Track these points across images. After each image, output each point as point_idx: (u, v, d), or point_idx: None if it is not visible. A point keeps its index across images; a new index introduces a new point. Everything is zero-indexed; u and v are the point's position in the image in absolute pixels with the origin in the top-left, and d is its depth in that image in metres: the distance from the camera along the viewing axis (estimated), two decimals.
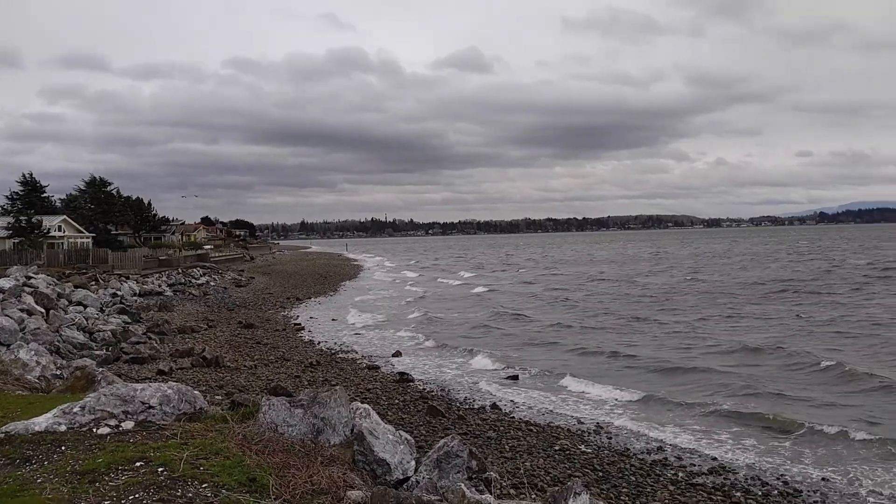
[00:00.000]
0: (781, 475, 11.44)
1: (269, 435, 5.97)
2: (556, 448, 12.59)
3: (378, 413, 12.56)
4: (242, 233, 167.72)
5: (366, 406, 6.93)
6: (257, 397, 11.60)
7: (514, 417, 15.06)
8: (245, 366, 19.77)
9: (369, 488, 5.22)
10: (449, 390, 17.68)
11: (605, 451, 12.56)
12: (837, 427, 13.60)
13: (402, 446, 6.07)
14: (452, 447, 5.88)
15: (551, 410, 15.76)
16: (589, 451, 12.55)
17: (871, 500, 10.38)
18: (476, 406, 16.01)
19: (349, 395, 14.84)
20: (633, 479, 10.96)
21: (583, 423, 14.66)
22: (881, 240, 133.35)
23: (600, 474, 11.12)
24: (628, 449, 12.81)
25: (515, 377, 19.27)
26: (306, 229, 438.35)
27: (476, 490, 5.41)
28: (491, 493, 5.69)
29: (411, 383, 18.26)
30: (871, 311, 30.89)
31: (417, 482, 5.67)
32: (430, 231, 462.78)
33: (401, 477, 5.86)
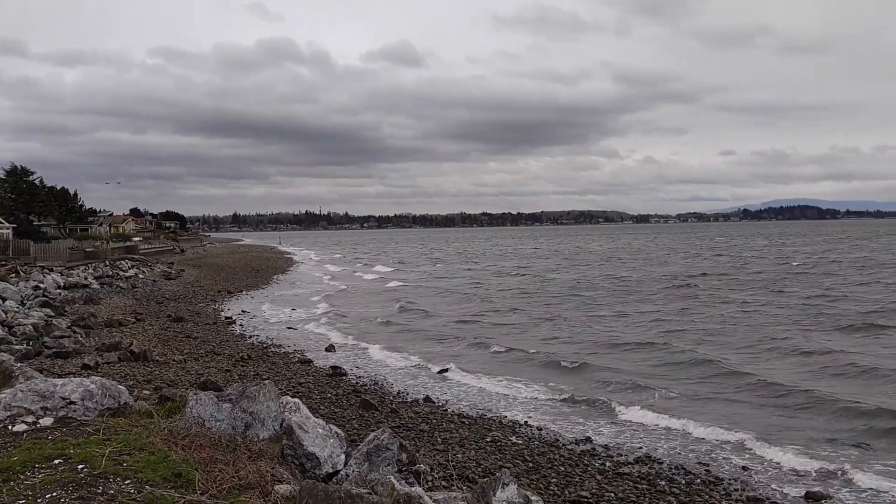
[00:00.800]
0: (704, 464, 11.80)
1: (196, 430, 5.88)
2: (488, 440, 12.71)
3: (310, 407, 12.48)
4: (173, 225, 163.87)
5: (296, 400, 6.89)
6: (186, 392, 11.38)
7: (447, 410, 15.14)
8: (174, 360, 19.36)
9: (298, 482, 5.18)
10: (382, 384, 17.67)
11: (536, 443, 12.74)
12: (754, 420, 14.10)
13: (332, 440, 6.05)
14: (382, 440, 5.89)
15: (481, 404, 15.91)
16: (520, 442, 12.71)
17: (790, 488, 10.78)
18: (409, 399, 16.04)
19: (281, 389, 14.72)
20: (563, 468, 11.14)
21: (513, 414, 14.86)
22: (795, 236, 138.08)
23: (530, 465, 11.28)
24: (558, 440, 13.03)
25: (446, 370, 19.38)
26: (239, 222, 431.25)
27: (406, 482, 5.43)
28: (421, 486, 5.72)
29: (344, 377, 18.17)
30: (758, 309, 32.00)
31: (347, 475, 5.66)
32: (365, 224, 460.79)
33: (330, 470, 5.85)
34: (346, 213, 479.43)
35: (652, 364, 19.94)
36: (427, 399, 16.06)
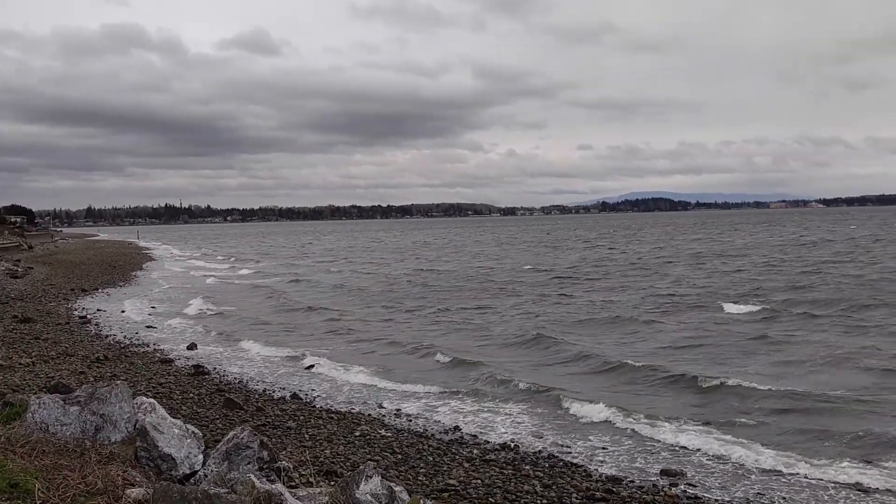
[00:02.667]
0: (566, 446, 12.23)
1: (39, 436, 5.51)
2: (357, 434, 12.65)
3: (170, 408, 12.02)
4: (19, 219, 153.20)
5: (151, 400, 6.59)
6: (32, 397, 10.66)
7: (315, 406, 14.95)
8: (21, 363, 18.08)
9: (152, 485, 4.95)
10: (247, 382, 17.22)
11: (405, 434, 12.80)
12: (615, 398, 14.77)
13: (189, 440, 5.83)
14: (242, 438, 5.73)
15: (351, 398, 15.84)
16: (389, 434, 12.73)
17: (647, 465, 11.32)
18: (276, 397, 15.72)
19: (139, 390, 14.08)
20: (431, 458, 11.24)
21: (383, 407, 14.87)
22: (640, 227, 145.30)
23: (399, 456, 11.31)
24: (427, 431, 13.15)
25: (313, 366, 19.14)
26: (93, 216, 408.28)
27: (267, 480, 5.31)
28: (282, 483, 5.60)
29: (207, 376, 17.58)
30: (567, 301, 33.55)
31: (205, 475, 5.47)
32: (228, 218, 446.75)
33: (188, 471, 5.63)
34: (209, 206, 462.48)
35: (520, 355, 20.41)
36: (295, 396, 15.79)
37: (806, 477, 10.53)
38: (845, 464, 10.87)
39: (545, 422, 13.74)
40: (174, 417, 6.75)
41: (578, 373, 17.79)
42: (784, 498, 9.79)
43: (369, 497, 4.85)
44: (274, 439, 11.97)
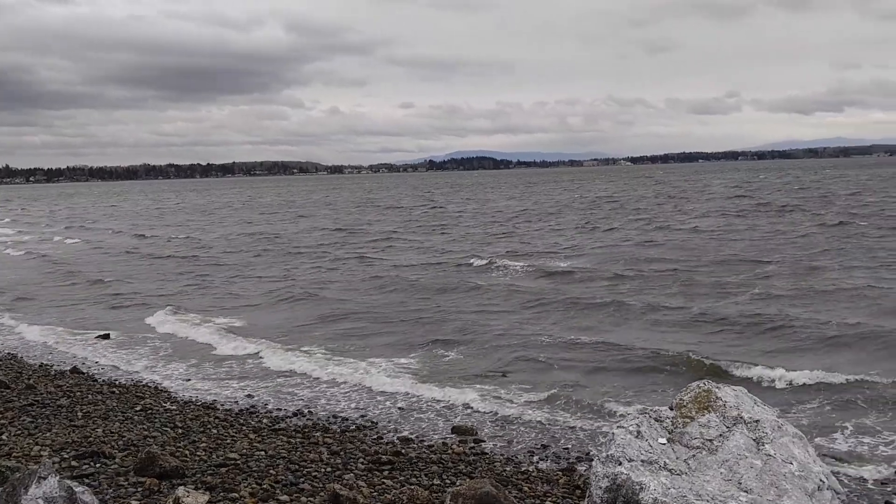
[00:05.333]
0: (362, 409, 12.04)
1: None
2: (138, 409, 11.76)
3: None
4: None
5: None
6: None
7: (96, 381, 13.84)
8: None
9: None
10: (21, 357, 15.69)
11: (192, 407, 12.08)
12: (409, 358, 14.77)
13: None
14: None
15: (139, 371, 14.88)
16: (174, 408, 11.94)
17: (439, 423, 11.33)
18: (53, 372, 14.40)
19: None
20: (216, 431, 10.62)
21: (171, 381, 14.03)
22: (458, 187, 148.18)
23: (180, 431, 10.59)
24: (216, 402, 12.50)
25: (107, 335, 17.80)
26: None
27: None
28: None
29: None
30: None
31: None
32: (31, 178, 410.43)
33: None
34: (7, 166, 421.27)
35: (313, 315, 19.69)
36: (75, 370, 14.53)
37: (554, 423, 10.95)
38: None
39: (345, 384, 13.46)
40: None
41: (361, 334, 17.41)
42: (574, 447, 10.10)
43: (41, 502, 4.26)
44: (40, 420, 10.91)
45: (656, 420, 5.12)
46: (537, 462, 9.59)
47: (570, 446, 10.22)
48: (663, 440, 4.99)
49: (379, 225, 51.07)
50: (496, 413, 11.68)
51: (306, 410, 12.00)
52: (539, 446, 10.25)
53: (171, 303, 22.01)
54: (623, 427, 5.09)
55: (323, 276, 27.09)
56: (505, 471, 9.13)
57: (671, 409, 5.26)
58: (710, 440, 4.93)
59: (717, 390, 5.28)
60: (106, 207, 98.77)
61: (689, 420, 5.09)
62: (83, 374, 14.38)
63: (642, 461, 4.79)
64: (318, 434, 10.60)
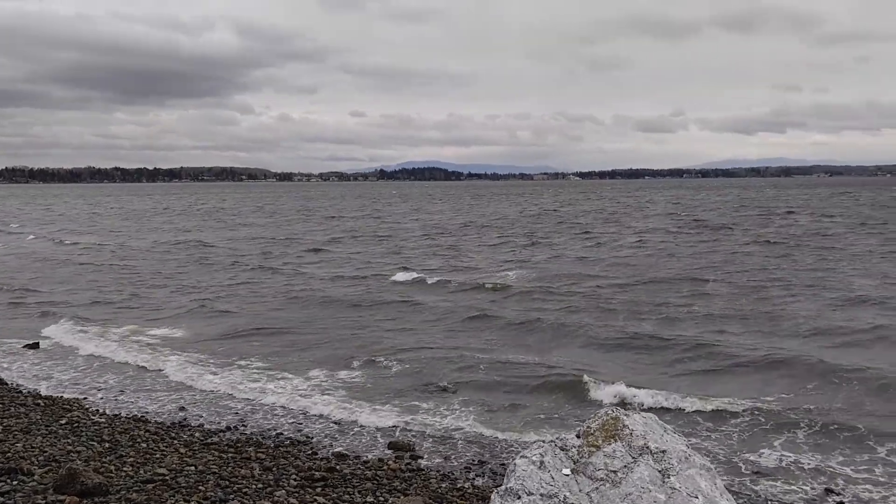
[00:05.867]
0: (298, 423, 11.84)
1: None
2: (64, 422, 11.36)
3: None
4: None
5: None
6: None
7: (20, 391, 13.34)
8: None
9: None
10: None
11: (122, 419, 11.72)
12: (345, 377, 14.61)
13: None
14: None
15: (74, 380, 14.41)
16: (103, 420, 11.58)
17: (375, 440, 11.19)
18: None
19: None
20: (145, 445, 10.31)
21: (101, 388, 13.61)
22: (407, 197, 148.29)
23: (108, 445, 10.25)
24: (147, 414, 12.16)
25: (36, 345, 17.20)
26: None
27: None
28: None
29: None
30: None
31: None
32: None
33: None
34: None
35: (244, 328, 19.10)
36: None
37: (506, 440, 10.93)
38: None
39: (279, 400, 13.20)
40: None
41: (297, 348, 16.97)
42: (501, 458, 10.07)
43: None
44: None
45: (562, 449, 4.93)
46: (473, 478, 9.53)
47: (506, 462, 10.18)
48: (567, 471, 4.79)
49: (317, 234, 50.42)
50: (434, 429, 11.59)
51: (240, 425, 11.76)
52: (476, 462, 10.20)
53: (80, 314, 21.04)
54: (526, 457, 4.90)
55: (253, 288, 26.11)
56: (440, 487, 9.05)
57: (578, 436, 5.06)
58: (615, 472, 4.73)
59: (625, 418, 5.07)
60: (40, 211, 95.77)
61: (594, 449, 4.89)
62: (7, 384, 13.86)
63: (542, 495, 4.61)
64: (250, 449, 10.37)
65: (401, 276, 27.49)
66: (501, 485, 4.87)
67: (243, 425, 11.71)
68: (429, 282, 26.18)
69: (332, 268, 31.71)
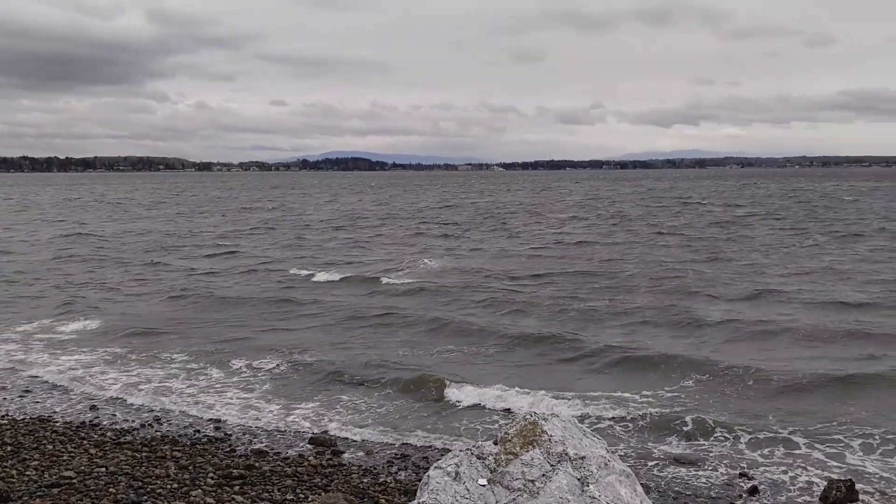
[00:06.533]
0: (216, 420, 11.53)
1: None
2: None
3: None
4: None
5: None
6: None
7: None
8: None
9: None
10: None
11: (26, 421, 11.17)
12: (266, 374, 14.31)
13: None
14: None
15: None
16: (4, 423, 11.01)
17: (294, 437, 10.99)
18: None
19: None
20: (50, 447, 9.84)
21: (5, 389, 12.95)
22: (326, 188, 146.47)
23: (10, 449, 9.74)
24: (55, 412, 11.64)
25: None
26: None
27: None
28: None
29: None
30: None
31: None
32: None
33: None
34: None
35: (135, 327, 17.95)
36: None
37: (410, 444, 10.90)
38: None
39: (196, 396, 12.83)
40: None
41: (217, 340, 16.63)
42: (423, 459, 10.02)
43: None
44: None
45: (478, 458, 4.70)
46: (396, 473, 9.44)
47: (428, 455, 10.13)
48: (483, 481, 4.58)
49: (226, 227, 48.44)
50: (356, 423, 11.44)
51: (155, 423, 11.36)
52: (399, 456, 10.11)
53: None
54: (440, 468, 4.66)
55: (149, 286, 24.61)
56: (362, 482, 8.94)
57: (496, 443, 4.82)
58: (532, 481, 4.52)
59: (543, 423, 4.85)
60: None
61: (512, 457, 4.66)
62: None
63: None
64: (166, 447, 10.04)
65: (305, 272, 26.14)
66: (415, 499, 4.68)
67: (159, 423, 11.33)
68: (336, 278, 25.00)
69: (235, 262, 30.11)
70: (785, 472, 9.46)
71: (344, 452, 10.20)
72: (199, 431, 10.97)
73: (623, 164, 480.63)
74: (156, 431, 10.89)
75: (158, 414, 11.81)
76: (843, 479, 8.67)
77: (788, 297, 20.31)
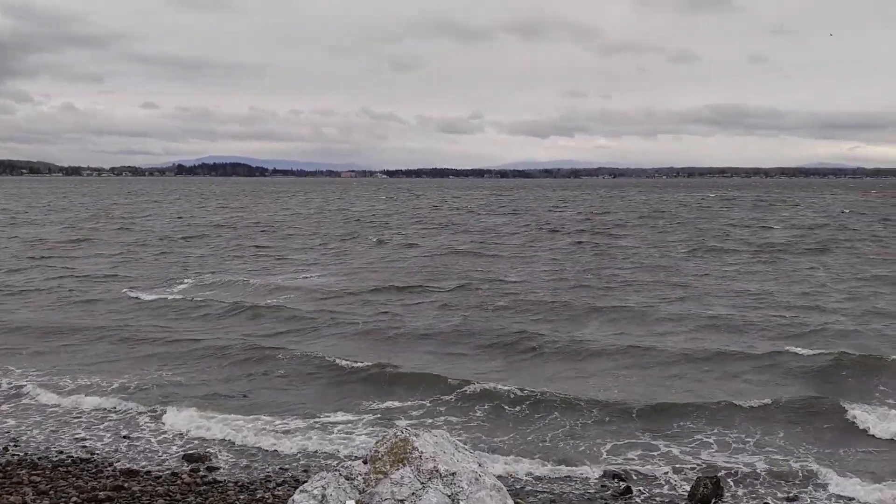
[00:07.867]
0: (82, 440, 10.90)
1: None
2: None
3: None
4: None
5: None
6: None
7: None
8: None
9: None
10: None
11: None
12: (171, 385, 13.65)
13: None
14: None
15: None
16: None
17: (167, 456, 10.50)
18: None
19: None
20: None
21: None
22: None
23: None
24: None
25: None
26: None
27: None
28: None
29: None
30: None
31: None
32: None
33: None
34: None
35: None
36: None
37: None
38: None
39: (56, 413, 12.04)
40: None
41: (69, 351, 15.84)
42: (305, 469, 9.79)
43: None
44: None
45: (347, 478, 4.57)
46: (274, 488, 9.17)
47: (310, 468, 9.89)
48: (352, 503, 4.49)
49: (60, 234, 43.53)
50: (234, 437, 11.00)
51: (12, 444, 10.59)
52: (278, 470, 9.84)
53: None
54: (306, 491, 4.50)
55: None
56: (239, 499, 8.63)
57: (365, 462, 4.69)
58: (402, 501, 4.43)
59: (414, 439, 4.77)
60: None
61: (382, 476, 4.55)
62: None
63: None
64: (23, 472, 9.36)
65: (151, 296, 22.13)
66: None
67: (15, 445, 10.56)
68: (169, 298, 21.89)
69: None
70: (655, 470, 9.78)
71: (219, 468, 9.83)
72: (62, 452, 10.32)
73: (503, 173, 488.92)
74: (11, 455, 10.14)
75: (15, 434, 11.02)
76: (709, 475, 9.05)
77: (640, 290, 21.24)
